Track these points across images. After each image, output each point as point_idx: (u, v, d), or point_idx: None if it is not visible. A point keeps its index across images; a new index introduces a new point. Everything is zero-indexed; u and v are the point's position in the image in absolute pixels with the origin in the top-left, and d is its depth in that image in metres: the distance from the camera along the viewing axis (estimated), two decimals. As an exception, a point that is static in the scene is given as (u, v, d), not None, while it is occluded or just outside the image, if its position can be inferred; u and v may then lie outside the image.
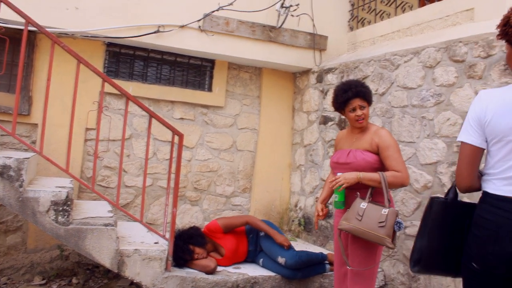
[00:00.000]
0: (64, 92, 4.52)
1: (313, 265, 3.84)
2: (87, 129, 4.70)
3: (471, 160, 2.00)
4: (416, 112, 3.98)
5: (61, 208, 3.16)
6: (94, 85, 4.53)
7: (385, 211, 2.75)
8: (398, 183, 2.88)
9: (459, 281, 3.50)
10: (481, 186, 2.03)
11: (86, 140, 4.71)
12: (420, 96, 3.96)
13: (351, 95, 2.97)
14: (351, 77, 4.78)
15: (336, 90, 3.09)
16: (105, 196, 4.17)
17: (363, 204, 2.81)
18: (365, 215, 2.77)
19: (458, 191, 2.15)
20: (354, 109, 2.99)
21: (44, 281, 4.18)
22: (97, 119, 3.47)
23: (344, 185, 2.85)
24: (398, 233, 2.88)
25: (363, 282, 2.89)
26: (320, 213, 3.10)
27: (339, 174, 2.91)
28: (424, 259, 2.15)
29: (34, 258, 4.39)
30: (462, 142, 2.03)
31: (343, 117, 4.81)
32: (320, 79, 5.26)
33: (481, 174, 2.05)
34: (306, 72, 5.49)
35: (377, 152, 2.94)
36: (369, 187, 2.88)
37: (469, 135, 2.00)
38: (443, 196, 2.20)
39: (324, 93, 5.18)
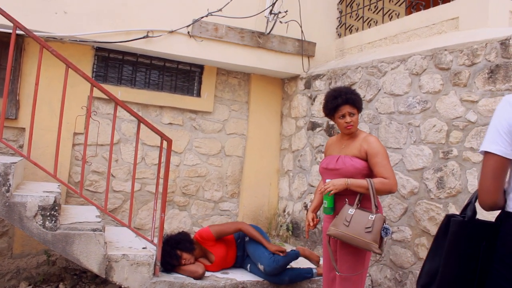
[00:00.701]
0: (52, 96, 4.50)
1: (300, 272, 3.86)
2: (75, 134, 4.68)
3: (499, 173, 1.76)
4: (403, 119, 4.03)
5: (48, 213, 3.15)
6: (82, 90, 4.51)
7: (371, 216, 2.79)
8: (386, 189, 2.92)
9: None
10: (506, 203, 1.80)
11: (74, 145, 4.69)
12: (407, 103, 4.01)
13: (340, 102, 3.02)
14: (339, 84, 4.83)
15: (326, 96, 3.14)
16: (93, 201, 4.17)
17: (351, 210, 2.85)
18: (353, 221, 2.80)
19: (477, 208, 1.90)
20: (343, 116, 3.04)
21: (30, 287, 4.14)
22: (85, 123, 3.45)
23: (332, 191, 2.88)
24: (385, 239, 2.91)
25: (351, 287, 2.92)
26: (311, 223, 3.13)
27: (328, 180, 2.95)
28: (438, 286, 1.88)
29: (20, 264, 4.34)
30: (487, 152, 1.78)
31: (331, 123, 4.86)
32: (308, 85, 5.31)
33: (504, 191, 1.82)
34: (295, 78, 5.53)
35: (365, 159, 2.98)
36: (357, 194, 2.92)
37: (497, 145, 1.75)
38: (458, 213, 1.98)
39: (312, 99, 5.22)
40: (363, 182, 2.88)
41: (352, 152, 3.03)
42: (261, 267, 3.74)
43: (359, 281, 2.94)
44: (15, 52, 4.39)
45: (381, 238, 2.80)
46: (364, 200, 2.93)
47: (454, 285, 1.84)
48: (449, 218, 1.93)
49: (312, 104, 5.22)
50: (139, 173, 4.92)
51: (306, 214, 3.23)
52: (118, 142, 4.89)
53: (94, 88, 3.44)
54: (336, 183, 2.89)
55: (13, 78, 4.41)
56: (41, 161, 4.01)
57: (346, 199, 2.92)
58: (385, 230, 2.78)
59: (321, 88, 5.09)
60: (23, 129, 4.47)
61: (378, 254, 2.77)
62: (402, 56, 4.15)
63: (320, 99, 5.07)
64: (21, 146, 4.45)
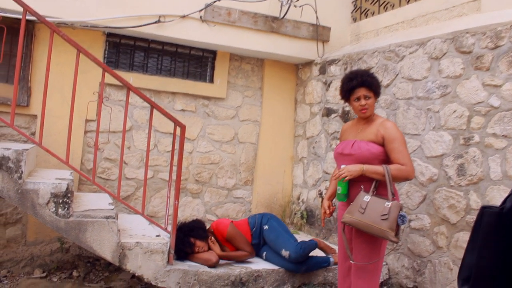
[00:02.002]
0: (64, 83, 4.45)
1: (317, 261, 3.80)
2: (87, 121, 4.63)
3: None
4: (422, 104, 3.92)
5: (61, 200, 3.11)
6: (94, 76, 4.46)
7: (388, 204, 2.71)
8: (402, 176, 2.83)
9: (464, 275, 3.47)
10: None
11: (86, 132, 4.65)
12: (426, 88, 3.90)
13: (355, 84, 2.93)
14: (355, 69, 4.71)
15: (343, 79, 3.06)
16: (106, 188, 4.13)
17: (367, 197, 2.77)
18: (368, 208, 2.72)
19: None
20: (358, 99, 2.95)
21: (44, 274, 4.14)
22: (97, 110, 3.39)
23: (347, 177, 2.80)
24: (402, 227, 2.83)
25: (367, 276, 2.84)
26: (327, 211, 3.06)
27: (343, 166, 2.86)
28: (473, 280, 1.78)
29: (34, 251, 4.34)
30: None
31: (347, 108, 4.75)
32: (323, 71, 5.19)
33: None
34: (309, 63, 5.42)
35: (382, 144, 2.89)
36: (373, 180, 2.83)
37: None
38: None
39: (327, 85, 5.11)
40: (379, 168, 2.79)
41: (368, 136, 2.93)
42: (285, 253, 3.68)
43: (374, 270, 2.87)
44: (26, 38, 4.33)
45: (398, 226, 2.71)
46: (380, 187, 2.85)
47: (490, 278, 1.74)
48: (483, 210, 1.77)
49: (327, 90, 5.11)
50: (151, 160, 4.88)
51: (322, 202, 3.16)
52: (130, 129, 4.84)
53: (106, 74, 3.37)
54: (351, 169, 2.80)
55: (24, 65, 4.37)
56: (53, 148, 3.96)
57: (362, 186, 2.83)
58: (401, 217, 2.69)
59: (336, 73, 4.98)
60: (35, 116, 4.43)
61: (395, 242, 2.69)
62: (421, 39, 4.02)
63: (336, 84, 4.96)
64: (33, 133, 4.42)
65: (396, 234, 2.69)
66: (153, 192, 4.93)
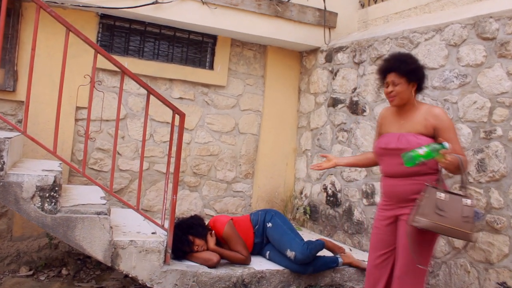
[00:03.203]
0: (53, 67, 4.13)
1: (325, 261, 3.54)
2: (78, 108, 4.34)
3: None
4: (438, 95, 3.66)
5: (47, 194, 2.83)
6: (86, 61, 4.15)
7: (466, 201, 2.43)
8: (467, 168, 2.60)
9: (483, 279, 3.24)
10: None
11: (77, 120, 4.35)
12: (443, 77, 3.63)
13: (384, 67, 2.68)
14: (364, 57, 4.44)
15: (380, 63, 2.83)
16: (98, 180, 3.85)
17: (441, 195, 2.45)
18: (447, 208, 2.41)
19: None
20: (388, 85, 2.69)
21: (31, 272, 3.85)
22: (89, 95, 3.10)
23: (447, 161, 2.41)
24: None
25: (415, 273, 2.58)
26: (323, 165, 3.00)
27: (446, 145, 2.40)
28: None
29: (21, 247, 4.05)
30: None
31: (355, 99, 4.49)
32: (329, 59, 4.91)
33: None
34: (314, 51, 5.13)
35: (432, 135, 2.61)
36: (437, 173, 2.56)
37: None
38: None
39: (333, 73, 4.83)
40: (456, 158, 2.47)
41: (416, 128, 2.64)
42: (291, 253, 3.40)
43: (422, 275, 2.61)
44: (12, 18, 4.02)
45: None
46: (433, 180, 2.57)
47: None
48: None
49: (333, 79, 4.83)
50: (147, 151, 4.59)
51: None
52: (124, 117, 4.55)
53: (99, 58, 3.07)
54: (452, 158, 2.42)
55: (10, 47, 4.05)
56: (42, 137, 3.66)
57: (428, 181, 2.53)
58: (477, 215, 2.45)
59: (344, 61, 4.70)
60: (22, 102, 4.12)
61: (473, 243, 2.44)
62: (438, 25, 3.74)
63: (343, 73, 4.69)
64: (20, 121, 4.12)
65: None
66: (148, 184, 4.65)
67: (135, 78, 3.14)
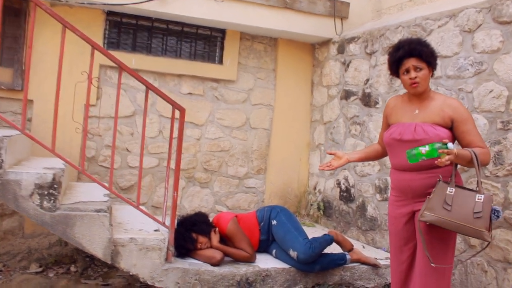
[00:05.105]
0: (62, 66, 4.12)
1: (332, 258, 3.41)
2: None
3: None
4: (452, 84, 3.48)
5: (46, 192, 2.81)
6: (94, 58, 4.13)
7: (480, 197, 2.29)
8: (487, 161, 2.46)
9: (501, 279, 3.05)
10: None
11: (85, 117, 4.34)
12: (457, 65, 3.45)
13: (402, 53, 2.49)
14: (376, 47, 4.28)
15: (390, 50, 2.64)
16: (107, 178, 3.83)
17: (450, 189, 2.34)
18: (455, 203, 2.30)
19: None
20: (407, 71, 2.50)
21: (40, 269, 3.88)
22: (86, 92, 3.07)
23: (448, 162, 2.28)
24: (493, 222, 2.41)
25: (439, 274, 2.45)
26: (333, 164, 2.80)
27: (450, 145, 2.30)
28: None
29: (32, 244, 4.09)
30: None
31: (367, 91, 4.34)
32: (341, 50, 4.76)
33: None
34: (326, 42, 4.99)
35: (449, 127, 2.47)
36: (451, 167, 2.40)
37: None
38: None
39: (346, 65, 4.68)
40: (466, 152, 2.35)
41: (432, 118, 2.48)
42: (293, 253, 3.29)
43: (447, 274, 2.48)
44: (20, 18, 4.05)
45: (490, 222, 2.28)
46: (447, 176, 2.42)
47: None
48: None
49: (345, 70, 4.68)
50: (156, 148, 4.56)
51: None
52: (133, 114, 4.53)
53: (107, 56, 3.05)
54: (460, 154, 2.30)
55: (18, 46, 4.08)
56: (49, 135, 3.66)
57: (440, 176, 2.39)
58: (495, 212, 2.29)
59: (356, 52, 4.54)
60: (31, 101, 4.15)
61: (488, 242, 2.28)
62: (451, 11, 3.56)
63: (355, 64, 4.54)
64: (29, 120, 4.15)
65: (489, 231, 2.27)
66: (158, 181, 4.62)
67: (133, 73, 3.11)
